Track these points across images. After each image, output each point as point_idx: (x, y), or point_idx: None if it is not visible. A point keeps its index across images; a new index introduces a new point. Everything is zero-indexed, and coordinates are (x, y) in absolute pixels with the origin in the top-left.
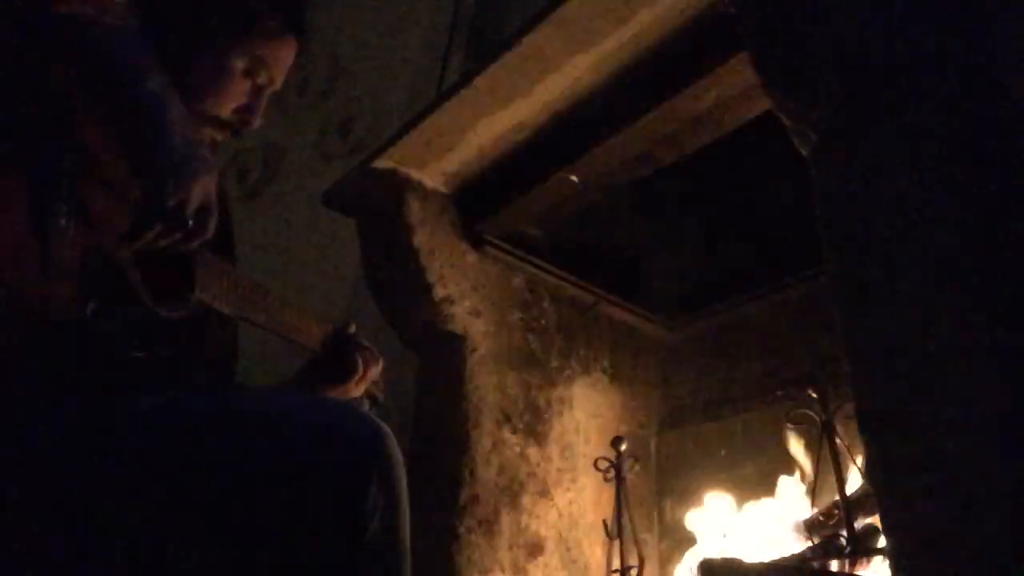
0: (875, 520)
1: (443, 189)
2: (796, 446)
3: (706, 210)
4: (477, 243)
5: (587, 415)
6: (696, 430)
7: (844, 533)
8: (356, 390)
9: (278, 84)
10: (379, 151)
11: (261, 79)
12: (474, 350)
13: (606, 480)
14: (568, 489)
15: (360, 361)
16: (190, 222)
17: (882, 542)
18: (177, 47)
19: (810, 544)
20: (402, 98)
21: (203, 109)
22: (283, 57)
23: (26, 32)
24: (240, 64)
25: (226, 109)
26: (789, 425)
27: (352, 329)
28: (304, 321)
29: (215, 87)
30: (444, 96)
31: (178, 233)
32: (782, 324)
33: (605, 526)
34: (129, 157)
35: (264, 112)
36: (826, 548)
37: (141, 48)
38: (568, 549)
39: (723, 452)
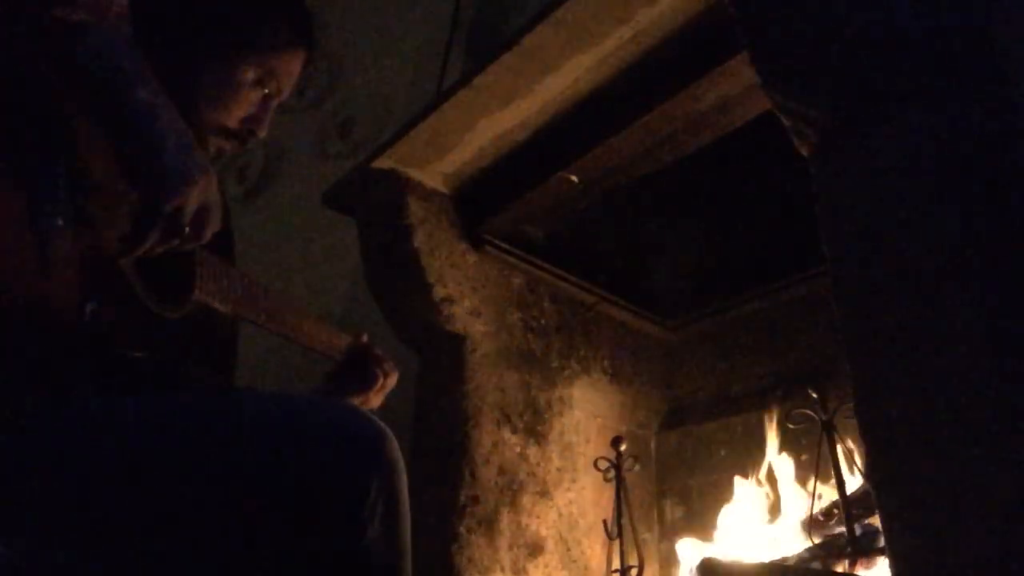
0: (875, 520)
1: (443, 189)
2: (796, 446)
3: (706, 209)
4: (477, 243)
5: (587, 415)
6: (696, 430)
7: (844, 533)
8: (376, 399)
9: (285, 95)
10: (379, 151)
11: (269, 90)
12: (474, 350)
13: (606, 480)
14: (568, 489)
15: (380, 372)
16: (187, 229)
17: (882, 542)
18: (188, 57)
19: (810, 544)
20: (402, 98)
21: (211, 119)
22: (292, 69)
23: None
24: (250, 75)
25: (234, 119)
26: (789, 425)
27: (365, 339)
28: (304, 321)
29: (224, 97)
30: (444, 96)
31: (175, 239)
32: (782, 323)
33: (605, 526)
34: (124, 164)
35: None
36: (826, 548)
37: (133, 56)
38: (568, 549)
39: (723, 452)
